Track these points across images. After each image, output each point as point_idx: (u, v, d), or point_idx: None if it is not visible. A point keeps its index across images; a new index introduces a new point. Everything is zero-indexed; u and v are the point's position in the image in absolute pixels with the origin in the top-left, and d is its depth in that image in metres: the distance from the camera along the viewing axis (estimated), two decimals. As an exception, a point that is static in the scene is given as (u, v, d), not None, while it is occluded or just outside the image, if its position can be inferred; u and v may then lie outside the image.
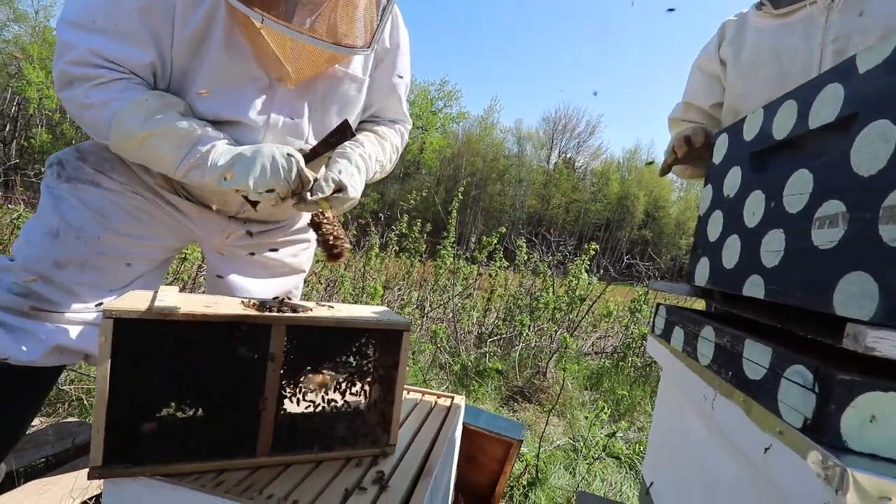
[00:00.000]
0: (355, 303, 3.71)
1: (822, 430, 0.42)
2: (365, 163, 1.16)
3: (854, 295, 0.48)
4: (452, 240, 4.13)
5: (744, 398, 0.57)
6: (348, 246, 1.05)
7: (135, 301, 0.78)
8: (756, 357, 0.55)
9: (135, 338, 0.74)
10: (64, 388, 2.01)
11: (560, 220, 33.91)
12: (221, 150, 0.98)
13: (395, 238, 4.40)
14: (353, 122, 1.29)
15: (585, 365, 3.50)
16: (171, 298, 0.80)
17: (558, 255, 4.29)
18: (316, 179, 1.03)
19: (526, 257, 4.29)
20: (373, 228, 4.60)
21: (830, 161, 0.55)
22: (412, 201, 4.31)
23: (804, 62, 1.04)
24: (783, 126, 0.66)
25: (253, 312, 0.81)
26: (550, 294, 3.60)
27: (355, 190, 1.09)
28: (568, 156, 35.94)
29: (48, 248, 1.04)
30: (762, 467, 0.51)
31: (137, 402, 0.75)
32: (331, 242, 1.02)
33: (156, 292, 0.85)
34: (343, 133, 1.03)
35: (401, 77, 1.30)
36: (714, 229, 0.83)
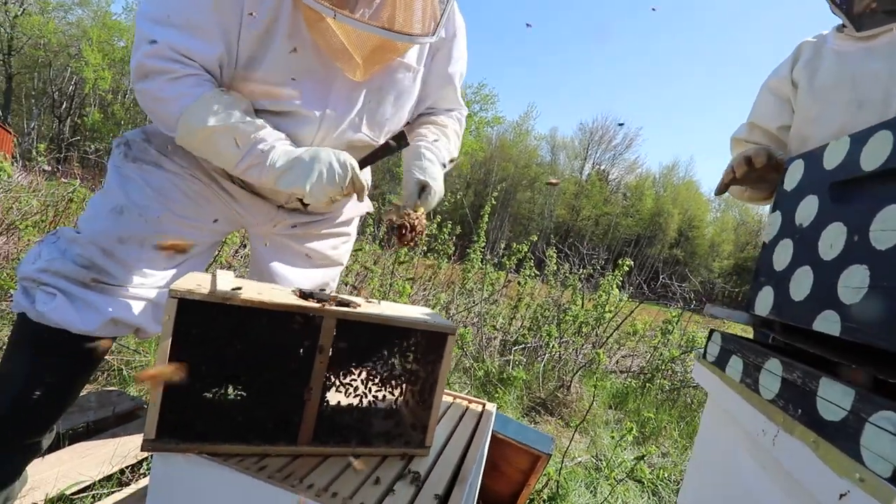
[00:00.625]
0: (383, 299, 3.74)
1: (915, 482, 0.40)
2: (436, 154, 1.19)
3: (954, 342, 0.46)
4: (482, 244, 4.12)
5: (814, 438, 0.54)
6: (422, 238, 1.11)
7: (196, 283, 0.81)
8: (834, 397, 0.53)
9: (195, 318, 0.76)
10: (106, 358, 2.10)
11: (589, 233, 33.36)
12: (280, 151, 1.01)
13: (425, 238, 4.42)
14: (409, 112, 1.30)
15: (610, 382, 3.43)
16: (230, 283, 0.82)
17: (588, 269, 4.22)
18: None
19: (556, 268, 4.23)
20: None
21: (931, 198, 0.52)
22: (445, 203, 4.32)
23: (884, 90, 0.99)
24: (874, 157, 0.63)
25: (307, 304, 0.82)
26: (579, 307, 3.54)
27: (437, 183, 1.13)
28: (602, 167, 35.35)
29: (113, 224, 1.09)
30: (835, 514, 0.49)
31: (193, 381, 0.78)
32: (405, 233, 1.06)
33: (214, 276, 0.88)
34: (399, 141, 1.06)
35: (457, 67, 1.29)
36: (782, 258, 0.80)
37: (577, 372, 2.99)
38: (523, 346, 3.41)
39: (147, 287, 1.13)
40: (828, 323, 0.64)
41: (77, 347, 1.06)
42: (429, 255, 4.55)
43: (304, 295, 0.90)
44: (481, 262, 4.23)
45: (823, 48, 1.18)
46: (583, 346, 3.49)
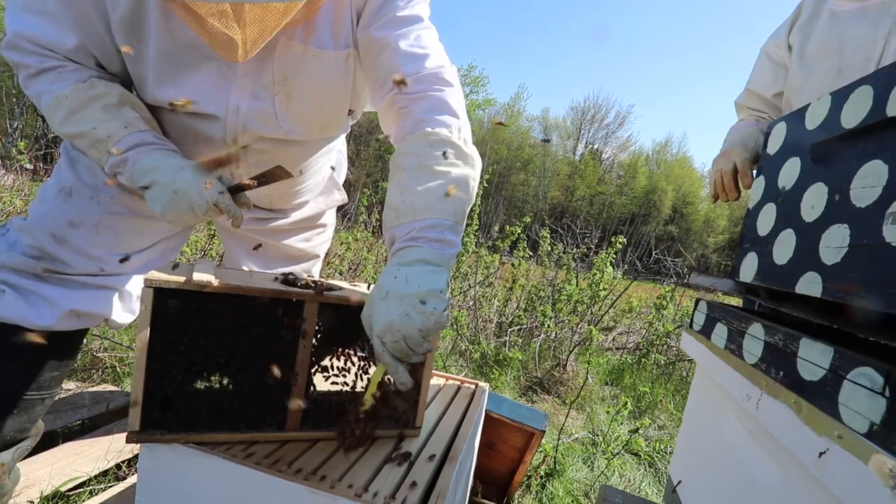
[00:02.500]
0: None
1: (891, 436, 0.40)
2: (452, 207, 0.83)
3: (932, 296, 0.45)
4: (476, 228, 4.10)
5: (795, 399, 0.54)
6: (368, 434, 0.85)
7: (175, 271, 0.79)
8: (814, 357, 0.52)
9: (173, 307, 0.75)
10: (98, 355, 2.09)
11: (584, 213, 33.35)
12: (142, 166, 0.88)
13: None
14: (347, 102, 1.06)
15: (606, 359, 3.45)
16: (209, 271, 0.81)
17: (583, 248, 4.22)
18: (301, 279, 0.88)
19: (550, 248, 4.23)
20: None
21: (911, 151, 0.51)
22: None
23: (865, 56, 0.97)
24: (855, 114, 0.61)
25: (288, 288, 0.81)
26: (574, 286, 3.55)
27: (405, 322, 0.72)
28: (595, 147, 35.18)
29: (62, 207, 1.01)
30: (815, 471, 0.48)
31: (174, 371, 0.77)
32: (346, 436, 0.84)
33: (193, 264, 0.86)
34: (275, 177, 0.85)
35: (394, 14, 0.94)
36: (765, 223, 0.79)
37: (572, 350, 3.01)
38: (519, 327, 3.42)
39: (108, 275, 1.07)
40: (810, 285, 0.64)
41: (38, 343, 0.99)
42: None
43: (285, 280, 0.89)
44: (475, 245, 4.22)
45: (822, 7, 1.14)
46: (578, 324, 3.51)
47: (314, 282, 0.90)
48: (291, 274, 0.94)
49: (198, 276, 0.74)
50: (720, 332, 0.80)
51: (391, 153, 0.96)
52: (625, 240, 3.47)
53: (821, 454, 0.47)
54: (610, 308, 3.93)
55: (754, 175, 0.93)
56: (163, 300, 0.74)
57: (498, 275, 4.37)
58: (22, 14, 0.88)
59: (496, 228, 4.92)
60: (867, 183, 0.57)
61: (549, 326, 3.19)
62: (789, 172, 0.75)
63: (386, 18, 0.94)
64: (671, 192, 33.39)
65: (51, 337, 1.01)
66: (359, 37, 0.97)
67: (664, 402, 2.85)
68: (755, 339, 0.67)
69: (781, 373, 0.58)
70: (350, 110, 1.13)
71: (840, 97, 0.65)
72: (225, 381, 0.81)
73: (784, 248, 0.72)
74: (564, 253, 4.11)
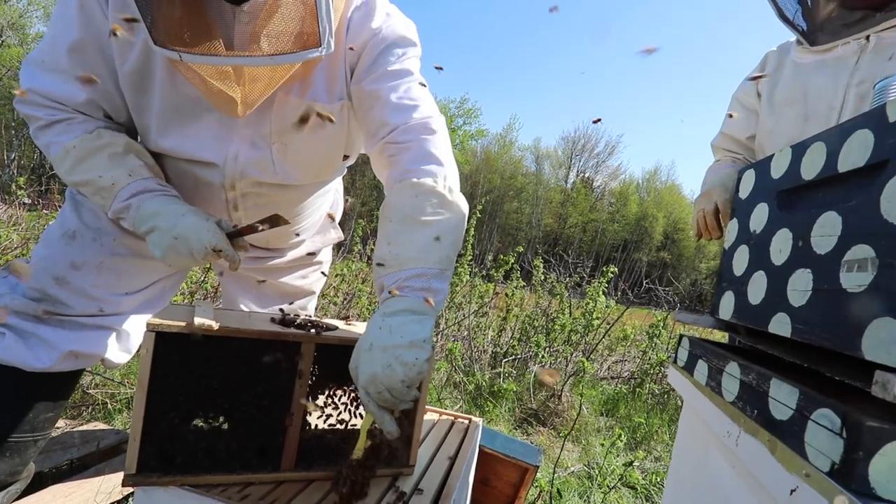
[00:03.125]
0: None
1: (849, 475, 0.43)
2: (438, 254, 0.86)
3: (882, 340, 0.49)
4: (469, 258, 4.15)
5: (769, 437, 0.57)
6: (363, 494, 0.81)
7: (175, 315, 0.82)
8: (783, 397, 0.56)
9: (174, 351, 0.77)
10: (89, 391, 2.07)
11: (577, 240, 33.63)
12: (144, 212, 0.91)
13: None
14: (341, 150, 1.11)
15: (601, 389, 3.44)
16: (209, 314, 0.83)
17: (575, 277, 4.26)
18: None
19: (543, 277, 4.27)
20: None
21: (860, 205, 0.56)
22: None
23: (828, 105, 1.05)
24: (812, 167, 0.67)
25: (285, 330, 0.84)
26: (567, 315, 3.58)
27: (386, 374, 0.74)
28: (586, 175, 35.86)
29: (65, 249, 1.04)
30: (789, 509, 0.51)
31: (172, 413, 0.78)
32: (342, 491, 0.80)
33: (194, 307, 0.89)
34: (273, 223, 0.88)
35: (389, 69, 0.99)
36: (740, 264, 0.84)
37: (566, 381, 3.01)
38: (513, 357, 3.42)
39: (107, 315, 1.09)
40: (781, 325, 0.68)
41: (37, 386, 1.02)
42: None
43: (282, 320, 0.92)
44: (469, 274, 4.26)
45: (786, 59, 1.23)
46: (572, 354, 3.51)
47: (311, 322, 0.92)
48: (289, 314, 0.97)
49: (199, 321, 0.77)
50: (701, 368, 0.83)
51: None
52: (616, 269, 3.52)
53: (792, 492, 0.50)
54: (604, 337, 3.94)
55: (729, 218, 0.98)
56: (164, 344, 0.76)
57: (492, 304, 4.39)
58: (37, 71, 0.94)
59: (490, 258, 4.97)
60: (825, 232, 0.62)
61: (543, 357, 3.20)
62: (759, 217, 0.80)
63: (378, 73, 0.99)
64: (662, 219, 33.90)
65: (46, 378, 1.02)
66: (352, 89, 1.03)
67: (660, 432, 2.83)
68: (732, 377, 0.70)
69: (756, 411, 0.61)
70: (345, 156, 1.18)
71: (799, 150, 0.71)
72: (222, 422, 0.83)
73: (757, 289, 0.76)
74: (557, 282, 4.15)
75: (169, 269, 1.20)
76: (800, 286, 0.65)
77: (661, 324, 3.85)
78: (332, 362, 0.89)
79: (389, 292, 0.82)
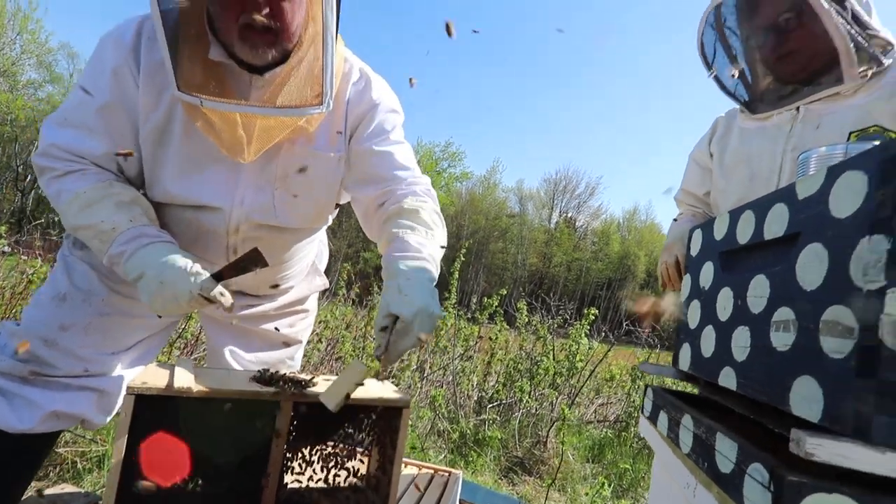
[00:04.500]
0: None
1: (780, 527, 0.47)
2: (416, 267, 0.99)
3: (805, 397, 0.54)
4: (454, 301, 4.18)
5: (717, 490, 0.61)
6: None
7: (154, 377, 0.84)
8: (726, 451, 0.60)
9: (152, 412, 0.79)
10: (58, 450, 1.99)
11: (562, 279, 33.95)
12: (135, 259, 0.95)
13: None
14: (334, 196, 1.22)
15: (587, 434, 3.42)
16: (189, 374, 0.85)
17: (558, 319, 4.31)
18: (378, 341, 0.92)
19: (526, 319, 4.31)
20: (375, 287, 4.67)
21: (782, 271, 0.63)
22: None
23: (769, 168, 1.16)
24: (745, 233, 0.75)
25: (263, 390, 0.86)
26: (550, 359, 3.59)
27: (418, 305, 0.89)
28: (569, 215, 36.75)
29: (55, 311, 1.08)
30: (737, 561, 0.54)
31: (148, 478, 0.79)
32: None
33: (173, 367, 0.91)
34: (254, 261, 0.91)
35: (387, 136, 1.18)
36: (693, 318, 0.90)
37: (551, 427, 2.98)
38: (498, 402, 3.39)
39: (92, 376, 1.11)
40: (728, 378, 0.73)
41: (16, 446, 1.01)
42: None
43: (261, 378, 0.94)
44: (454, 318, 4.27)
45: (733, 123, 1.36)
46: (557, 398, 3.50)
47: (290, 378, 0.95)
48: (268, 370, 0.99)
49: (179, 382, 0.79)
50: (663, 420, 0.87)
51: None
52: (596, 311, 3.58)
53: (737, 543, 0.54)
54: (588, 379, 3.95)
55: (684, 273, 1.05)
56: (143, 406, 0.78)
57: (477, 347, 4.39)
58: (59, 129, 1.02)
59: (474, 300, 5.00)
60: (757, 293, 0.68)
61: (527, 402, 3.18)
62: (706, 274, 0.87)
63: (379, 138, 1.17)
64: (644, 258, 34.55)
65: (25, 439, 1.02)
66: (354, 148, 1.17)
67: (646, 478, 2.80)
68: (687, 429, 0.75)
69: (706, 464, 0.65)
70: (337, 204, 1.29)
71: (735, 216, 0.79)
72: (199, 483, 0.83)
73: (708, 343, 0.82)
74: (541, 323, 4.19)
75: (154, 327, 1.23)
76: (741, 342, 0.71)
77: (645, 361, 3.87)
78: (311, 419, 0.91)
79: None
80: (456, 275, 4.25)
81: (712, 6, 1.18)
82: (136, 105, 1.03)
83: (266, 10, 0.92)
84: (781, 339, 0.60)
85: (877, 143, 0.81)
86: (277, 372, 0.99)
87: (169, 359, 2.82)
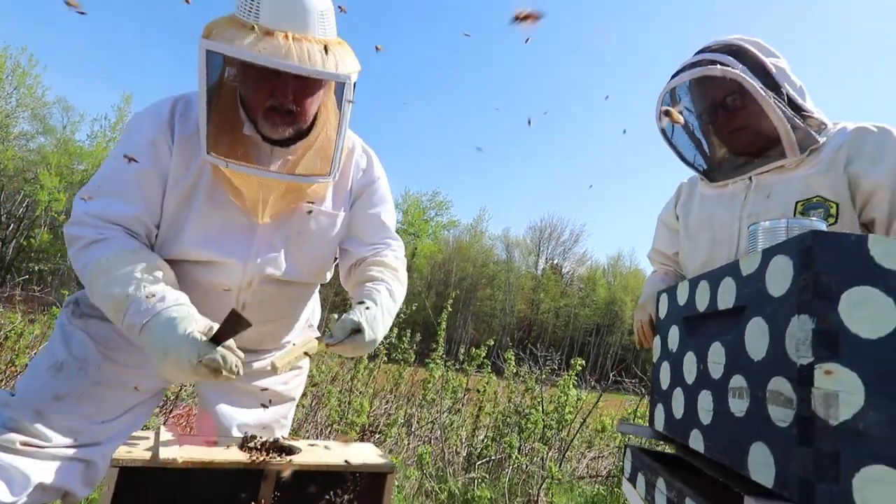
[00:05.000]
0: (341, 419, 3.59)
1: None
2: (383, 302, 1.19)
3: (760, 463, 0.59)
4: (441, 353, 4.15)
5: (690, 555, 0.63)
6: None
7: (139, 447, 0.84)
8: (693, 516, 0.63)
9: (136, 483, 0.79)
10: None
11: (550, 325, 33.82)
12: (147, 335, 0.96)
13: (385, 350, 4.42)
14: (332, 252, 1.36)
15: (579, 491, 3.32)
16: (174, 443, 0.86)
17: (546, 369, 4.30)
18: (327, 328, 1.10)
19: (514, 370, 4.28)
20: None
21: (734, 340, 0.69)
22: (402, 314, 4.41)
23: (728, 233, 1.25)
24: (702, 302, 0.81)
25: (247, 459, 0.87)
26: (539, 411, 3.55)
27: (375, 331, 1.11)
28: (555, 262, 37.22)
29: (51, 381, 1.10)
30: None
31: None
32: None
33: (157, 434, 0.91)
34: (237, 322, 0.92)
35: (380, 208, 1.40)
36: (665, 379, 0.94)
37: (542, 485, 2.91)
38: (487, 459, 3.31)
39: (81, 447, 1.10)
40: (697, 441, 0.77)
41: None
42: (390, 363, 4.51)
43: (246, 443, 0.94)
44: (443, 366, 4.22)
45: (695, 189, 1.47)
46: (548, 453, 3.43)
47: (275, 445, 0.95)
48: (254, 436, 1.00)
49: (164, 453, 0.80)
50: (641, 482, 0.90)
51: None
52: (583, 361, 3.59)
53: None
54: (578, 432, 3.88)
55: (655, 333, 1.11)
56: (127, 478, 0.78)
57: (465, 400, 4.31)
58: (93, 197, 1.09)
59: (462, 350, 4.97)
60: (715, 359, 0.74)
61: (516, 458, 3.11)
62: (673, 338, 0.93)
63: (378, 207, 1.40)
64: (630, 303, 34.77)
65: None
66: (355, 211, 1.37)
67: (641, 538, 2.71)
68: (661, 492, 0.77)
69: (678, 528, 0.68)
70: (335, 258, 1.42)
71: (693, 285, 0.86)
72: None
73: (678, 405, 0.86)
74: (529, 374, 4.16)
75: (144, 394, 1.24)
76: (705, 406, 0.75)
77: (633, 415, 3.84)
78: (296, 487, 0.91)
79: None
80: (444, 325, 4.26)
81: (668, 88, 1.31)
82: (168, 172, 1.14)
83: (291, 98, 1.07)
84: (738, 406, 0.65)
85: (813, 219, 0.90)
86: (261, 439, 1.00)
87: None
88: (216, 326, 0.95)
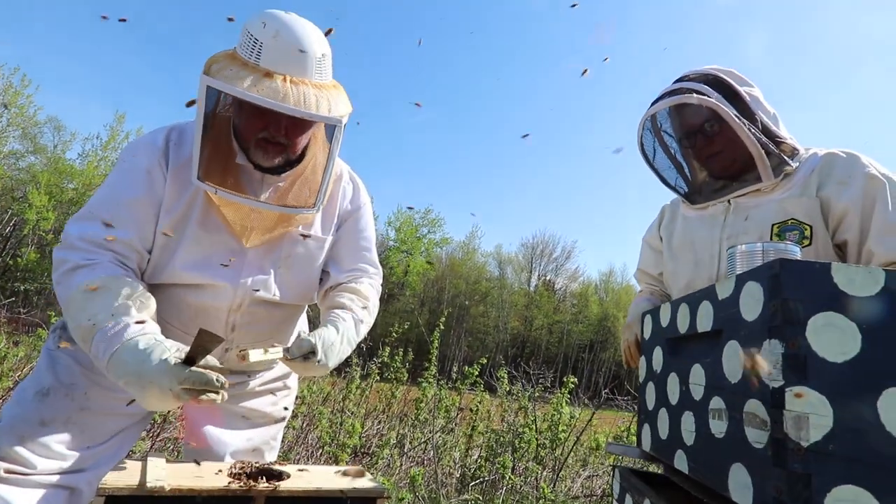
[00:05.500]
0: (332, 441, 3.54)
1: None
2: (346, 332, 1.22)
3: (739, 483, 0.60)
4: (434, 371, 4.13)
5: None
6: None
7: (126, 474, 0.84)
8: (677, 538, 0.64)
9: (121, 515, 0.78)
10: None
11: (544, 342, 33.72)
12: (115, 366, 0.94)
13: (377, 369, 4.39)
14: (317, 273, 1.38)
15: (574, 512, 3.28)
16: (161, 470, 0.86)
17: (539, 388, 4.28)
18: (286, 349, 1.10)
19: (507, 389, 4.27)
20: (354, 358, 4.59)
21: (713, 363, 0.71)
22: (395, 333, 4.40)
23: (709, 254, 1.28)
24: (683, 324, 0.84)
25: (235, 486, 0.86)
26: (532, 430, 3.53)
27: (330, 358, 1.13)
28: (548, 278, 37.31)
29: (37, 408, 1.09)
30: None
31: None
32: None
33: (145, 463, 0.91)
34: (209, 339, 0.89)
35: (364, 234, 1.45)
36: (650, 399, 0.96)
37: (536, 505, 2.87)
38: (480, 480, 3.27)
39: (66, 473, 1.09)
40: (681, 461, 0.78)
41: None
42: (383, 382, 4.47)
43: (234, 469, 0.94)
44: (436, 385, 4.20)
45: (678, 211, 1.51)
46: (542, 473, 3.40)
47: (263, 471, 0.95)
48: (242, 463, 0.99)
49: (151, 481, 0.79)
50: (629, 502, 0.90)
51: None
52: (575, 380, 3.59)
53: None
54: (572, 450, 3.86)
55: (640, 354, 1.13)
56: (113, 508, 0.77)
57: (458, 419, 4.28)
58: (85, 221, 1.10)
59: (454, 368, 4.95)
60: (696, 381, 0.76)
61: (510, 479, 3.08)
62: (658, 358, 0.95)
63: (362, 234, 1.45)
64: (623, 319, 34.64)
65: None
66: (340, 235, 1.41)
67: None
68: (647, 514, 0.78)
69: (663, 550, 0.69)
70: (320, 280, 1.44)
71: (675, 307, 0.88)
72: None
73: (663, 425, 0.88)
74: (522, 392, 4.14)
75: (129, 420, 1.23)
76: (688, 427, 0.77)
77: (627, 433, 3.83)
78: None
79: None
80: (436, 343, 4.25)
81: (648, 114, 1.36)
82: (161, 199, 1.16)
83: (283, 132, 1.11)
84: (717, 427, 0.67)
85: (787, 242, 0.93)
86: (250, 464, 0.99)
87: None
88: (186, 348, 0.94)
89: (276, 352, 1.06)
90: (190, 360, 0.92)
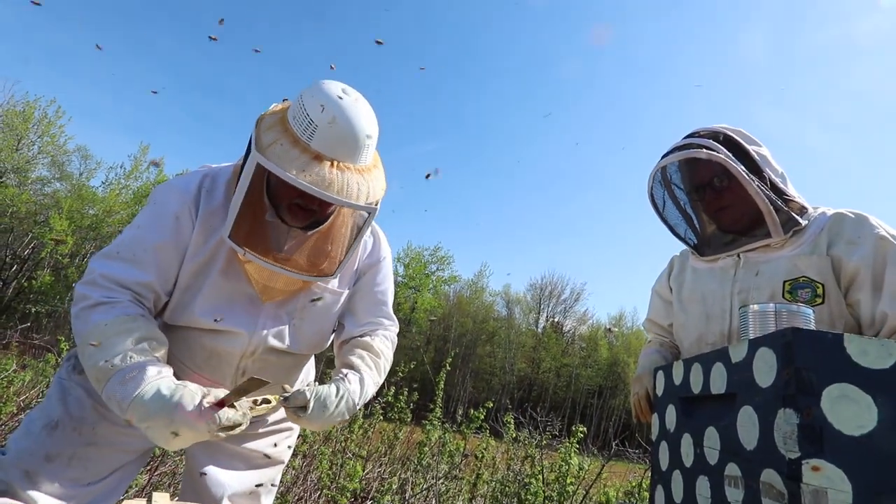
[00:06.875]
0: (332, 483, 3.43)
1: None
2: (350, 395, 1.20)
3: (757, 557, 0.58)
4: (438, 414, 4.05)
5: None
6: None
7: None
8: None
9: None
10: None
11: (551, 386, 32.83)
12: (137, 410, 0.95)
13: (381, 409, 4.31)
14: (332, 325, 1.41)
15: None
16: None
17: (546, 436, 4.15)
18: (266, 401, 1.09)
19: (514, 435, 4.14)
20: (358, 396, 4.50)
21: (727, 427, 0.71)
22: (400, 373, 4.34)
23: (720, 308, 1.28)
24: (696, 384, 0.83)
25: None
26: (539, 482, 3.39)
27: (325, 417, 1.12)
28: (556, 320, 36.76)
29: (44, 441, 1.09)
30: None
31: None
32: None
33: (150, 500, 0.90)
34: (255, 386, 0.95)
35: (382, 287, 1.46)
36: (663, 460, 0.94)
37: (542, 564, 2.72)
38: (484, 533, 3.11)
39: None
40: (696, 529, 0.76)
41: None
42: (386, 422, 4.37)
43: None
44: (441, 428, 4.09)
45: (687, 262, 1.51)
46: (548, 528, 3.23)
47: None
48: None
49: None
50: (642, 571, 0.87)
51: None
52: (584, 429, 3.48)
53: None
54: (582, 502, 3.68)
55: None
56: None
57: (462, 465, 4.13)
58: (110, 260, 1.13)
59: (460, 412, 4.83)
60: (710, 444, 0.75)
61: (515, 533, 2.93)
62: (671, 417, 0.94)
63: (380, 287, 1.46)
64: (633, 364, 33.79)
65: None
66: (358, 287, 1.43)
67: None
68: (662, 584, 0.75)
69: None
70: (333, 330, 1.45)
71: (687, 366, 0.88)
72: None
73: (677, 488, 0.86)
74: (529, 440, 4.01)
75: (131, 455, 1.22)
76: (703, 492, 0.75)
77: (639, 488, 3.66)
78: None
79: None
80: (441, 384, 4.18)
81: (658, 167, 1.39)
82: (187, 245, 1.19)
83: (317, 204, 1.14)
84: (733, 495, 0.66)
85: (800, 303, 0.93)
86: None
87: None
88: (206, 390, 0.99)
89: (274, 395, 1.08)
90: (221, 403, 0.96)
